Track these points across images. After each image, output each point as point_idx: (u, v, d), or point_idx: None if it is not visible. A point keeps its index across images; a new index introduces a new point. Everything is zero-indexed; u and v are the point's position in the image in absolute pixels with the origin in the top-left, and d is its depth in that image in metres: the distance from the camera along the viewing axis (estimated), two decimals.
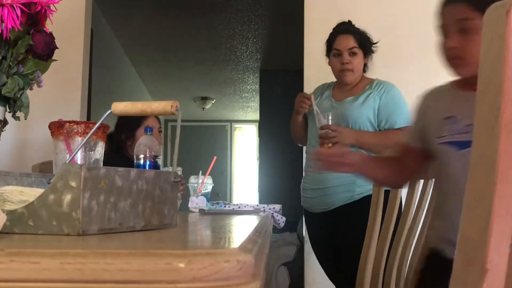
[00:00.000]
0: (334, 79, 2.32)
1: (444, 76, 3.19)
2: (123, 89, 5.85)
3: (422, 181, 1.53)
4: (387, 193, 1.63)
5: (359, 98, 2.14)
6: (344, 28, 2.20)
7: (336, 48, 2.17)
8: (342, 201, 2.07)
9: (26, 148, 3.06)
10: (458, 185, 1.15)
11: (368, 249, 1.61)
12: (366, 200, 1.99)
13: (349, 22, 2.26)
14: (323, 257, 2.25)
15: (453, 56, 1.28)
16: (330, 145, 2.06)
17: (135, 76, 6.55)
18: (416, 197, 1.54)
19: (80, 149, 1.14)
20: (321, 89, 2.33)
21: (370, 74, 2.29)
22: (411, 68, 2.87)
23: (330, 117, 2.09)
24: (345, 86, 2.21)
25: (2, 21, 1.05)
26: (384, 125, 2.11)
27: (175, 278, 0.47)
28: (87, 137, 1.06)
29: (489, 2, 0.97)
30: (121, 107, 1.08)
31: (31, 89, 1.18)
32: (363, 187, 2.04)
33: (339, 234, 2.11)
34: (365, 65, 2.23)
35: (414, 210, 1.52)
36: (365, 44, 2.18)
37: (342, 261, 2.09)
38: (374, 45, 2.24)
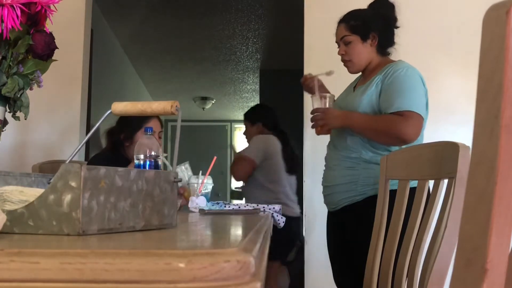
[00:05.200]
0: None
1: (443, 71, 3.18)
2: (123, 89, 5.85)
3: (432, 181, 1.49)
4: (392, 192, 1.59)
5: (365, 85, 2.00)
6: (340, 19, 2.08)
7: (336, 41, 2.10)
8: (346, 200, 2.02)
9: (26, 148, 3.06)
10: None
11: (375, 250, 1.59)
12: (368, 201, 1.95)
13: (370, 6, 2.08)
14: (330, 257, 2.22)
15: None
16: (319, 128, 2.00)
17: (135, 76, 6.55)
18: (424, 196, 1.49)
19: None
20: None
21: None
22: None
23: (327, 100, 2.02)
24: (363, 74, 2.11)
25: (2, 21, 1.05)
26: (383, 110, 1.91)
27: (175, 278, 0.47)
28: (87, 138, 1.06)
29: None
30: (121, 107, 1.08)
31: (31, 89, 1.18)
32: (365, 186, 1.96)
33: (346, 235, 2.07)
34: (380, 46, 2.03)
35: (423, 211, 1.47)
36: (361, 27, 2.00)
37: (352, 262, 2.04)
38: (384, 21, 2.03)
